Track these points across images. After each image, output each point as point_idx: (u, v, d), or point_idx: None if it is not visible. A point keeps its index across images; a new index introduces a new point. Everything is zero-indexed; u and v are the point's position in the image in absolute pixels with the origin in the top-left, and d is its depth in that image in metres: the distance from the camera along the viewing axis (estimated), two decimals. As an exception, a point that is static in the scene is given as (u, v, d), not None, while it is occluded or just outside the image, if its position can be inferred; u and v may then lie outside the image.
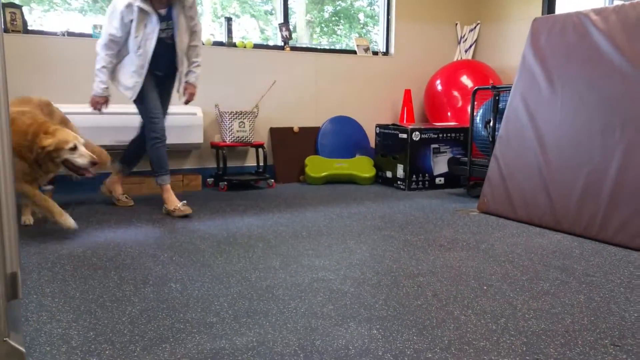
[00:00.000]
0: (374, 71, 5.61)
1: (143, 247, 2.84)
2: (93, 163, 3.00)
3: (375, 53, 5.71)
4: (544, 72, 3.60)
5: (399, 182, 4.89)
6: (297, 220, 3.51)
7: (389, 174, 5.01)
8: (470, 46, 5.85)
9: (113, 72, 3.59)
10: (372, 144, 5.41)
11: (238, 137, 4.74)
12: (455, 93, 5.35)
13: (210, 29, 5.26)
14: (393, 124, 5.10)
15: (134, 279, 2.35)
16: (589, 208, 3.14)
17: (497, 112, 4.16)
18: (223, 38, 5.05)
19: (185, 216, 3.58)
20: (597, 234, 3.06)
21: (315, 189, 4.82)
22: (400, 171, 4.87)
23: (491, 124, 4.22)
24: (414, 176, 4.82)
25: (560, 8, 5.20)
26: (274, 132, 5.18)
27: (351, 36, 5.95)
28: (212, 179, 4.84)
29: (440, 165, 4.90)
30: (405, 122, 5.47)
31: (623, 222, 2.95)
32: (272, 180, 4.89)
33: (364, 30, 6.14)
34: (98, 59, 3.51)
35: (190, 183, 4.66)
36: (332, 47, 5.86)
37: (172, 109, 4.46)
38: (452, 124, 5.15)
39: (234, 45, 5.03)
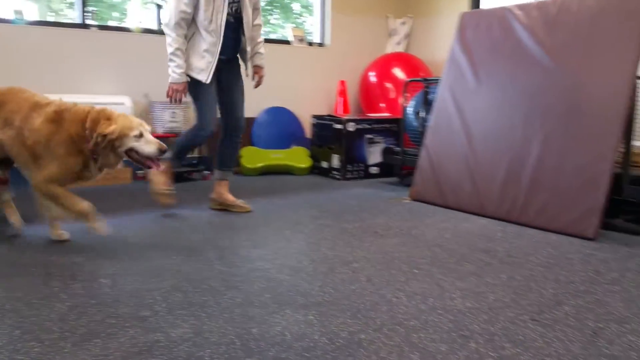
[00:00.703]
0: (310, 62, 5.64)
1: (70, 243, 2.74)
2: (162, 151, 2.62)
3: (310, 44, 5.73)
4: (471, 65, 3.76)
5: (334, 172, 4.96)
6: (234, 212, 3.50)
7: (324, 164, 5.07)
8: (402, 39, 5.99)
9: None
10: (308, 134, 5.45)
11: (170, 127, 4.64)
12: (388, 85, 5.47)
13: (139, 16, 5.09)
14: (328, 115, 5.16)
15: (61, 275, 2.27)
16: (511, 194, 3.32)
17: (427, 104, 4.30)
18: (153, 25, 4.91)
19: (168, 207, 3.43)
20: (518, 218, 3.24)
21: (251, 180, 4.80)
22: (335, 161, 4.94)
23: (421, 115, 4.36)
24: (349, 166, 4.90)
25: (486, 3, 5.42)
26: (209, 123, 5.10)
27: (286, 26, 5.95)
28: (143, 172, 4.71)
29: (374, 155, 5.01)
30: (340, 112, 5.54)
31: (542, 206, 3.14)
32: (207, 172, 4.83)
33: (299, 21, 6.15)
34: (169, 42, 3.14)
35: (119, 176, 4.51)
36: (267, 37, 5.83)
37: (97, 98, 4.31)
38: (385, 114, 5.27)
39: (165, 33, 4.90)
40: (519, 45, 3.47)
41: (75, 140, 2.55)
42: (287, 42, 5.60)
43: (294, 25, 6.00)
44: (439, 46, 5.65)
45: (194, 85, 3.26)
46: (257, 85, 3.57)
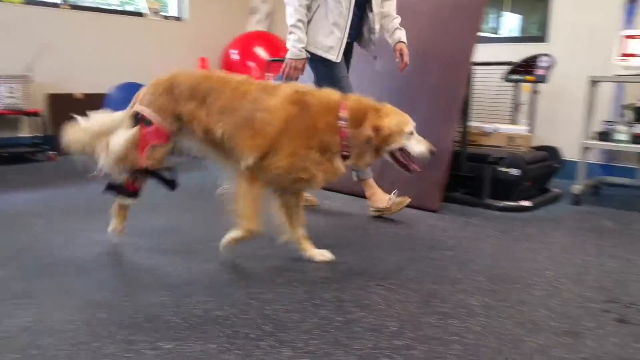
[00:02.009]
0: (167, 36, 5.41)
1: None
2: (432, 153, 2.19)
3: (166, 17, 5.49)
4: (327, 46, 3.86)
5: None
6: (85, 194, 3.27)
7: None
8: (264, 18, 5.97)
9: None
10: (167, 113, 5.24)
11: (8, 103, 4.19)
12: (252, 64, 5.44)
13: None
14: (188, 93, 5.00)
15: None
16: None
17: (288, 83, 4.36)
18: (-16, -12, 4.37)
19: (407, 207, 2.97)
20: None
21: (105, 160, 4.52)
22: (196, 141, 4.82)
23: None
24: (211, 145, 4.81)
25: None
26: (53, 98, 4.69)
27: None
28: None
29: (236, 134, 4.97)
30: (200, 91, 5.41)
31: (393, 182, 3.31)
32: (53, 152, 4.45)
33: (155, -7, 5.83)
34: (290, 12, 2.73)
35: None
36: (121, 9, 5.47)
37: None
38: (247, 93, 5.24)
39: (-1, -2, 4.39)
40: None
41: (320, 131, 2.06)
42: (140, 15, 5.30)
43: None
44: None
45: (322, 66, 2.87)
46: (405, 66, 3.02)
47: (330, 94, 2.17)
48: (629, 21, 3.93)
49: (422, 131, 3.26)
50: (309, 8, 2.78)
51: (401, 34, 2.99)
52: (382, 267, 2.19)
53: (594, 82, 3.45)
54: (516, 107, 3.97)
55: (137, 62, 5.18)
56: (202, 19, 5.64)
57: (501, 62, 3.85)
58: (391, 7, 3.02)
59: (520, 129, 3.69)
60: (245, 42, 5.54)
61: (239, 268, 2.12)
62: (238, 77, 2.23)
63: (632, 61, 3.40)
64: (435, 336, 1.59)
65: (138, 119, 2.18)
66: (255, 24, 5.94)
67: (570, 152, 3.73)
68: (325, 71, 2.88)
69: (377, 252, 2.40)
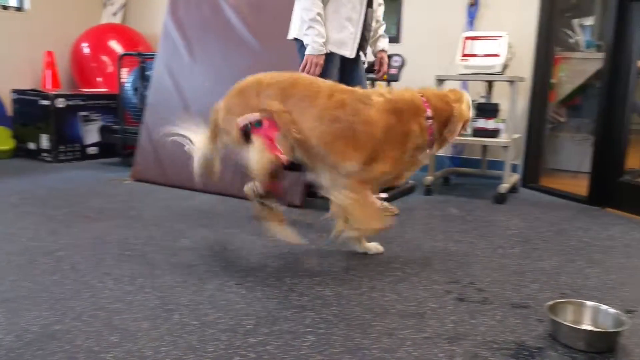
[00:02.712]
0: (6, 29, 4.87)
1: None
2: None
3: (5, 7, 4.95)
4: (185, 42, 3.75)
5: (44, 154, 4.46)
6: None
7: (32, 146, 4.51)
8: (119, 10, 5.64)
9: None
10: (9, 111, 4.75)
11: None
12: (105, 58, 5.11)
13: None
14: (32, 89, 4.58)
15: None
16: (229, 169, 3.45)
17: (145, 79, 4.16)
18: None
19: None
20: (238, 191, 3.37)
21: None
22: (45, 142, 4.43)
23: (140, 91, 4.21)
24: (62, 146, 4.46)
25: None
26: None
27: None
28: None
29: (91, 134, 4.65)
30: (49, 87, 4.96)
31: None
32: None
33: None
34: (307, 6, 2.58)
35: None
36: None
37: None
38: (102, 90, 4.92)
39: None
40: (228, 26, 3.59)
41: (414, 134, 2.19)
42: (-26, 3, 4.74)
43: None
44: (159, 20, 5.50)
45: (328, 63, 2.71)
46: (383, 74, 3.05)
47: (413, 96, 2.25)
48: (470, 23, 4.30)
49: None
50: (322, 0, 2.69)
51: (385, 42, 3.04)
52: (244, 266, 2.17)
53: (440, 81, 3.73)
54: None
55: (-30, 56, 4.62)
56: (47, 10, 5.16)
57: (358, 61, 4.00)
58: (381, 10, 3.00)
59: (377, 124, 3.86)
60: (98, 35, 5.17)
61: (84, 279, 1.97)
62: (324, 82, 2.29)
63: (472, 61, 3.73)
64: (290, 330, 1.61)
65: (248, 129, 2.13)
66: (110, 16, 5.58)
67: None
68: (333, 71, 2.79)
69: (239, 251, 2.37)
